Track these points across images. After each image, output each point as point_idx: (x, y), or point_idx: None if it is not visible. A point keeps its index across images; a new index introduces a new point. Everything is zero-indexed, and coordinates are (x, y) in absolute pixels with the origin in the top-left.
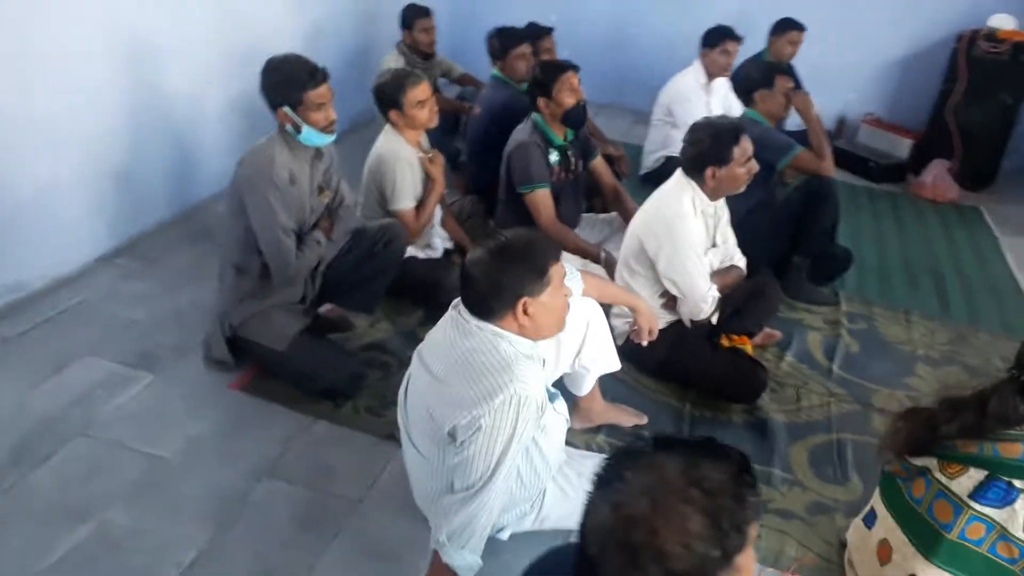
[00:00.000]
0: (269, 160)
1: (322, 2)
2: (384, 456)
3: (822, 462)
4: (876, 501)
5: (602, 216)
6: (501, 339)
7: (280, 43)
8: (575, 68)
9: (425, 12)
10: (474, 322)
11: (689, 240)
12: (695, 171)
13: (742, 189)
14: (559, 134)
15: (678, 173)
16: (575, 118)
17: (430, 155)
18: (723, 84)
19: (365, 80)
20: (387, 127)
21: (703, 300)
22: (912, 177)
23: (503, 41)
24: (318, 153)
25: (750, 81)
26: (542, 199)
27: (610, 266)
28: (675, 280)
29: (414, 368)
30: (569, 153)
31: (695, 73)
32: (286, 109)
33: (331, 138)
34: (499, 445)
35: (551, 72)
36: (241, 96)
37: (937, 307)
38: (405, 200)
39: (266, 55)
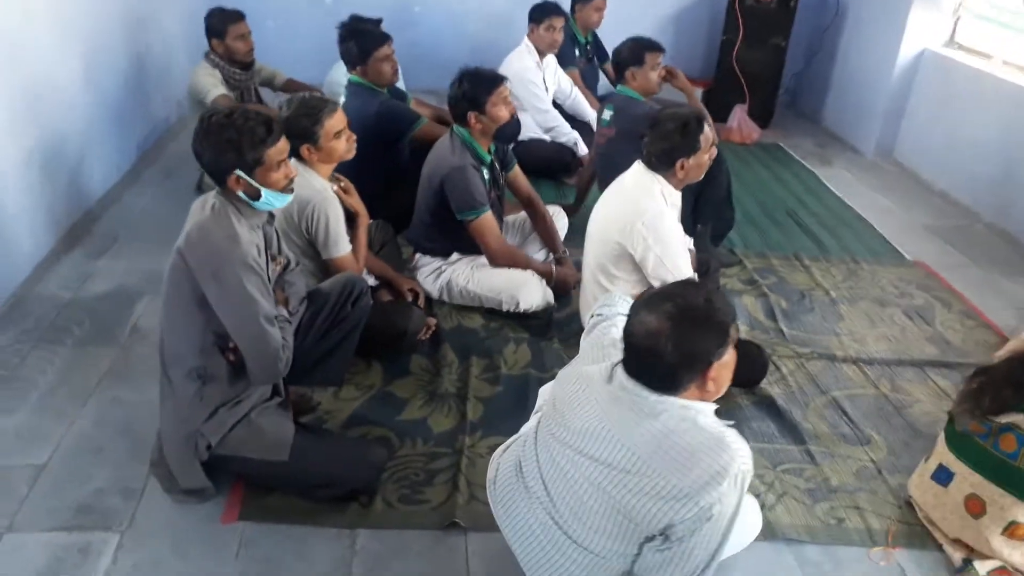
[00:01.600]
0: (233, 237)
1: (95, 27)
2: (461, 549)
3: (836, 424)
4: (946, 459)
5: (509, 219)
6: (692, 411)
7: (62, 76)
8: (505, 79)
9: (238, 16)
10: (654, 398)
11: (675, 235)
12: (665, 165)
13: (702, 176)
14: (485, 148)
15: (639, 168)
16: (510, 132)
17: (342, 184)
18: (552, 60)
19: (152, 105)
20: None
21: None
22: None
23: (362, 43)
24: (271, 216)
25: (622, 59)
26: (488, 224)
27: (563, 279)
28: (666, 278)
29: (560, 456)
30: (495, 167)
31: (528, 52)
32: (239, 174)
33: (291, 197)
34: (723, 530)
35: (485, 84)
36: (39, 146)
37: (813, 246)
38: (344, 244)
39: (52, 92)
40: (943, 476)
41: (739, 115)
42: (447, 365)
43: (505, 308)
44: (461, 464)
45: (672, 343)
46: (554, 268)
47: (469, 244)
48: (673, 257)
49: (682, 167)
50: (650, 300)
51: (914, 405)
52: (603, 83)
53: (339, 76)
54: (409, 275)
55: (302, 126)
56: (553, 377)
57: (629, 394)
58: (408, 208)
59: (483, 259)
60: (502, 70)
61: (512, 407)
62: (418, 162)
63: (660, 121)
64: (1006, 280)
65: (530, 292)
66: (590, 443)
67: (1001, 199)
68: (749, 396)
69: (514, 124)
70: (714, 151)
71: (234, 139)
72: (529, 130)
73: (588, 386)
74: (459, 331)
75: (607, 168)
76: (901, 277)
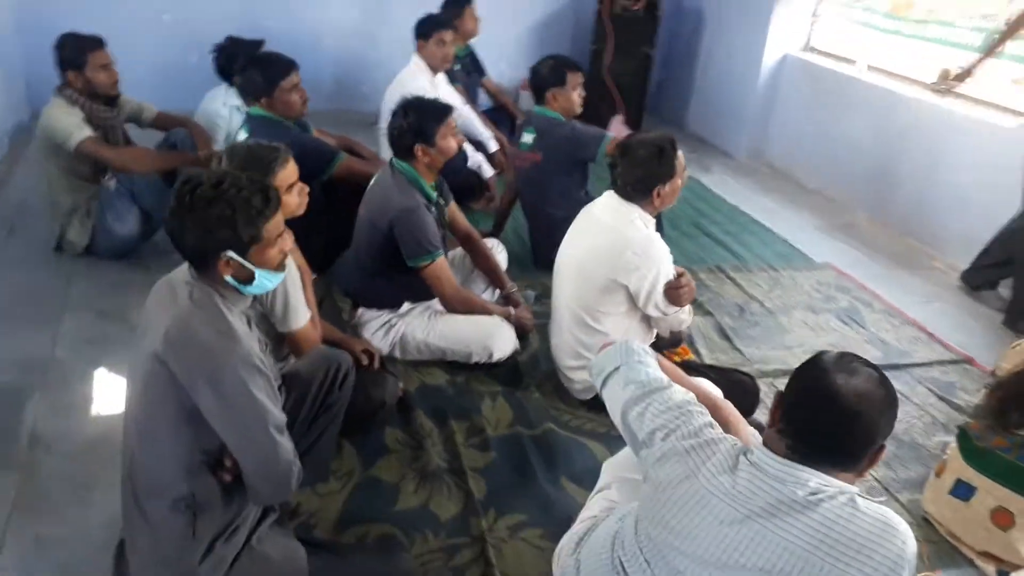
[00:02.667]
0: (227, 332)
1: None
2: None
3: None
4: (966, 474)
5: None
6: (849, 493)
7: None
8: (452, 108)
9: (97, 42)
10: (815, 482)
11: (666, 256)
12: (641, 193)
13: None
14: (430, 184)
15: (611, 199)
16: (457, 164)
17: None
18: (442, 77)
19: None
20: None
21: (685, 311)
22: None
23: (266, 71)
24: (256, 298)
25: (542, 80)
26: (443, 268)
27: (521, 321)
28: (659, 302)
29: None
30: (440, 204)
31: (420, 70)
32: (230, 255)
33: (283, 275)
34: None
35: (433, 115)
36: None
37: (729, 256)
38: (303, 312)
39: None
40: (963, 491)
41: (616, 126)
42: (426, 435)
43: (475, 360)
44: (489, 554)
45: (880, 411)
46: (511, 311)
47: (420, 291)
48: (667, 277)
49: (658, 194)
50: (839, 363)
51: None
52: (482, 97)
53: (215, 106)
54: (352, 333)
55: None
56: (545, 432)
57: (778, 482)
58: (326, 254)
59: (437, 305)
60: (395, 91)
61: (514, 475)
62: (332, 202)
63: (631, 148)
64: (905, 273)
65: (503, 339)
66: (732, 553)
67: (878, 195)
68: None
69: (461, 155)
70: (686, 175)
71: (227, 215)
72: None
73: (706, 495)
74: (424, 391)
75: (535, 193)
76: (819, 280)
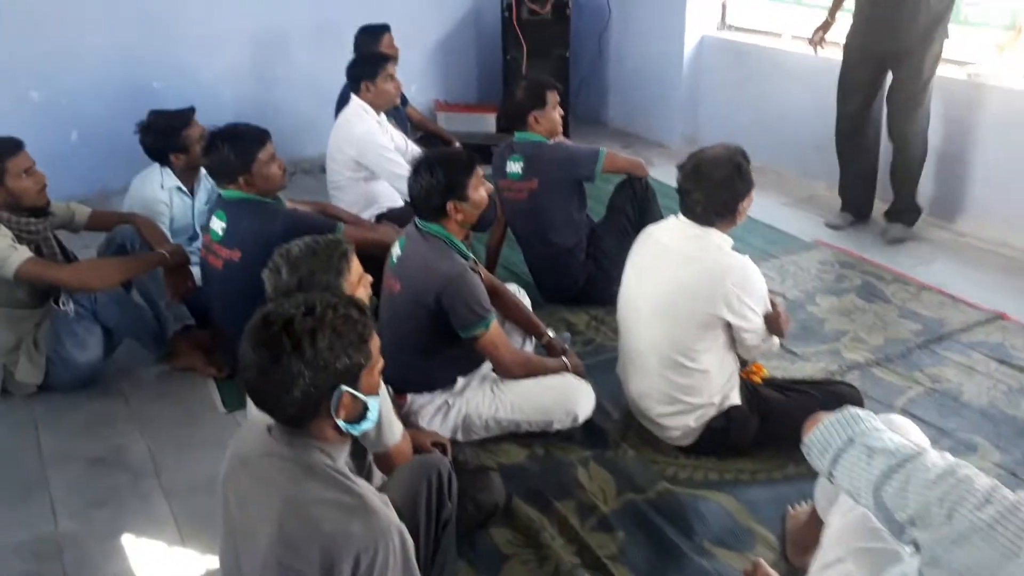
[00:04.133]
0: (366, 510)
1: None
2: None
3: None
4: None
5: None
6: None
7: None
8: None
9: (16, 146)
10: None
11: (762, 282)
12: (726, 214)
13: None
14: (462, 242)
15: (683, 225)
16: (490, 217)
17: None
18: (384, 117)
19: None
20: None
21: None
22: None
23: (241, 148)
24: None
25: (519, 105)
26: (499, 334)
27: (578, 370)
28: (760, 331)
29: None
30: (477, 264)
31: (366, 111)
32: (345, 389)
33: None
34: None
35: (461, 168)
36: None
37: None
38: (398, 425)
39: None
40: None
41: None
42: (539, 528)
43: (556, 428)
44: None
45: None
46: (566, 362)
47: (471, 362)
48: (767, 300)
49: (740, 211)
50: None
51: (966, 390)
52: None
53: (152, 191)
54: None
55: (324, 287)
56: (661, 494)
57: None
58: None
59: (491, 372)
60: (342, 134)
61: (656, 553)
62: None
63: (703, 171)
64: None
65: (586, 398)
66: None
67: (830, 164)
68: None
69: (492, 208)
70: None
71: (335, 346)
72: (386, 199)
73: None
74: (507, 474)
75: (534, 224)
76: (820, 261)
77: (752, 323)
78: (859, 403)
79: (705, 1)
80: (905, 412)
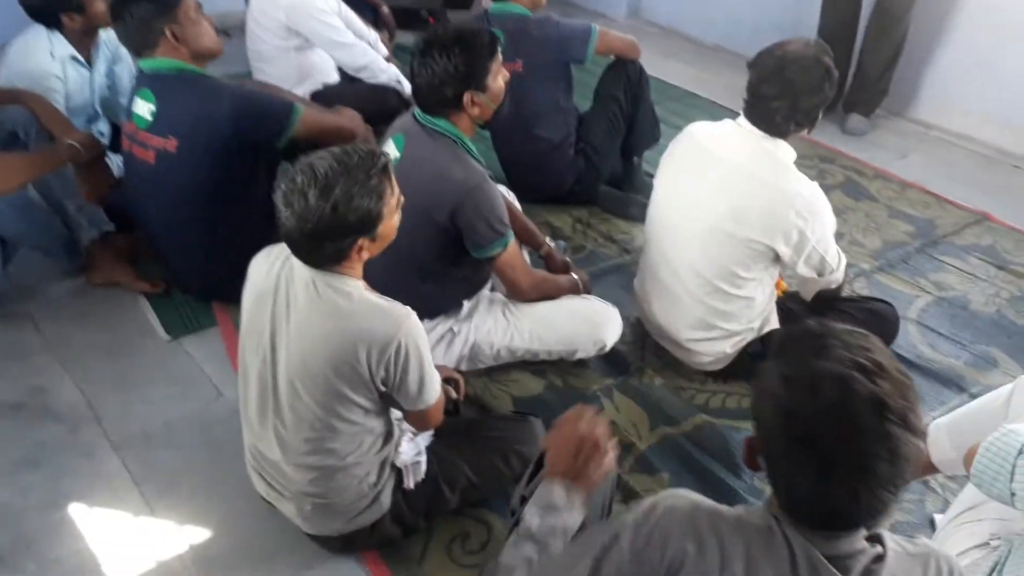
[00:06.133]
0: None
1: None
2: None
3: (955, 354)
4: None
5: None
6: None
7: None
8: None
9: None
10: None
11: (831, 213)
12: (808, 123)
13: None
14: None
15: (744, 132)
16: (501, 114)
17: None
18: None
19: None
20: None
21: (841, 270)
22: None
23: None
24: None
25: None
26: (516, 255)
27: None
28: (824, 258)
29: None
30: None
31: None
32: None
33: None
34: None
35: (483, 50)
36: None
37: None
38: (437, 380)
39: None
40: None
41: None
42: None
43: (579, 356)
44: None
45: None
46: (576, 279)
47: (476, 283)
48: (832, 231)
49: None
50: None
51: (972, 299)
52: None
53: (41, 62)
54: None
55: (365, 212)
56: (697, 427)
57: None
58: None
59: (500, 297)
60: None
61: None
62: None
63: (786, 74)
64: (861, 127)
65: (614, 326)
66: None
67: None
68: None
69: (506, 101)
70: None
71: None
72: (324, 74)
73: None
74: (524, 408)
75: (515, 115)
76: (801, 155)
77: (806, 254)
78: (896, 321)
79: None
80: (919, 323)
